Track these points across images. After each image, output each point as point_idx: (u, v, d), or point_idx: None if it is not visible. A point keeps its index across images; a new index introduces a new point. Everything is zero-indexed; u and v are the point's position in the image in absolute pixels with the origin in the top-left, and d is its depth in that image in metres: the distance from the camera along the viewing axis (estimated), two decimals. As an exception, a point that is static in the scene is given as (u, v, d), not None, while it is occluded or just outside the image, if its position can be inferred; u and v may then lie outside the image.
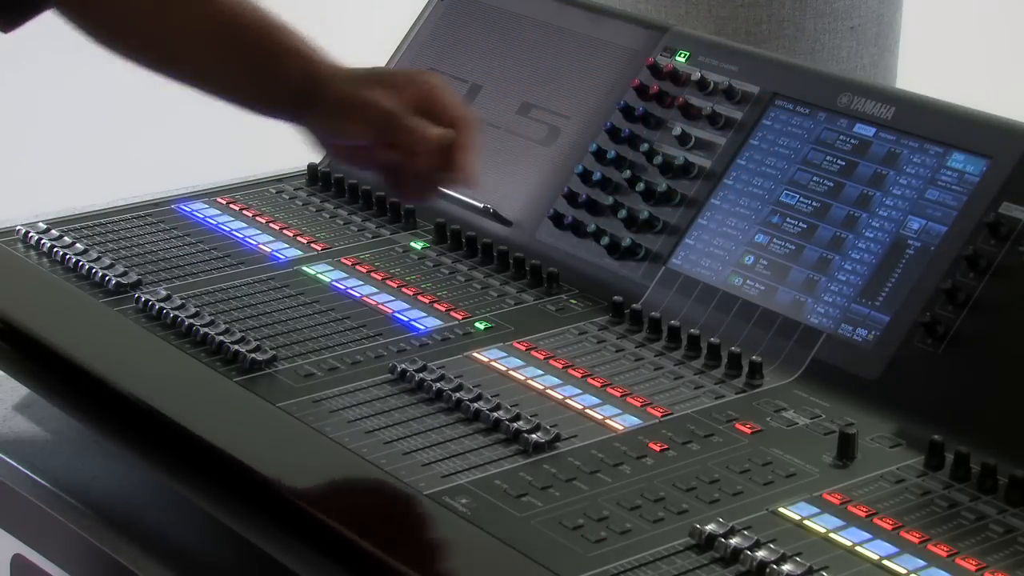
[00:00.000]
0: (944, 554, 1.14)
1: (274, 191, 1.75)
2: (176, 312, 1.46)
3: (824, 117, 1.50)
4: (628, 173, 1.57)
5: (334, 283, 1.54)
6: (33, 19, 1.39)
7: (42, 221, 1.65)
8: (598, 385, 1.36)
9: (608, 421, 1.31)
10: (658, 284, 1.50)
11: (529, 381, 1.37)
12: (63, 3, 1.39)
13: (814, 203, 1.46)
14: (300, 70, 1.38)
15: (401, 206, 1.67)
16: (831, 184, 1.47)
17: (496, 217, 1.64)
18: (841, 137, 1.48)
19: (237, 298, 1.51)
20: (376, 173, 1.43)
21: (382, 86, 1.37)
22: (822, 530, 1.17)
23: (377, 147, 1.37)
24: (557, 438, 1.27)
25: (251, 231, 1.65)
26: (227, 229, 1.66)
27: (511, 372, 1.38)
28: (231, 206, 1.71)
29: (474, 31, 1.78)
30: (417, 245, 1.62)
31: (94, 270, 1.54)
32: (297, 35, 1.40)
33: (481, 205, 1.65)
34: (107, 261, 1.56)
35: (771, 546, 1.13)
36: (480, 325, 1.47)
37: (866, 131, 1.47)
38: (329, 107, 1.37)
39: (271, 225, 1.66)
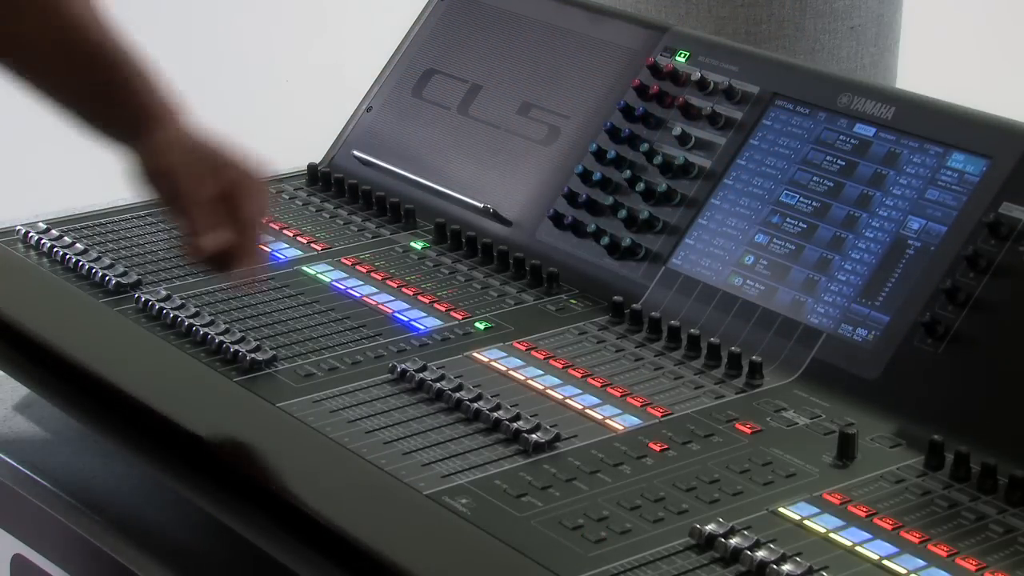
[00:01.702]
0: (944, 554, 1.14)
1: (274, 191, 1.74)
2: (176, 312, 1.46)
3: (824, 117, 1.50)
4: (628, 173, 1.57)
5: (334, 283, 1.54)
6: None
7: (42, 221, 1.65)
8: (598, 385, 1.36)
9: (608, 421, 1.31)
10: (658, 284, 1.50)
11: (529, 381, 1.37)
12: None
13: (814, 203, 1.46)
14: (137, 103, 1.37)
15: (401, 206, 1.67)
16: (831, 184, 1.47)
17: (496, 217, 1.64)
18: (841, 137, 1.48)
19: (237, 298, 1.51)
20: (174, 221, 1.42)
21: (187, 154, 1.36)
22: (822, 530, 1.17)
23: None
24: (557, 438, 1.27)
25: (251, 231, 1.65)
26: (227, 229, 1.66)
27: (511, 372, 1.38)
28: (231, 206, 1.71)
29: (474, 31, 1.78)
30: (417, 245, 1.62)
31: (94, 270, 1.54)
32: (141, 65, 1.39)
33: (481, 205, 1.65)
34: (107, 261, 1.56)
35: (771, 546, 1.13)
36: (480, 325, 1.47)
37: (866, 131, 1.47)
38: (142, 159, 1.36)
39: (271, 225, 1.66)
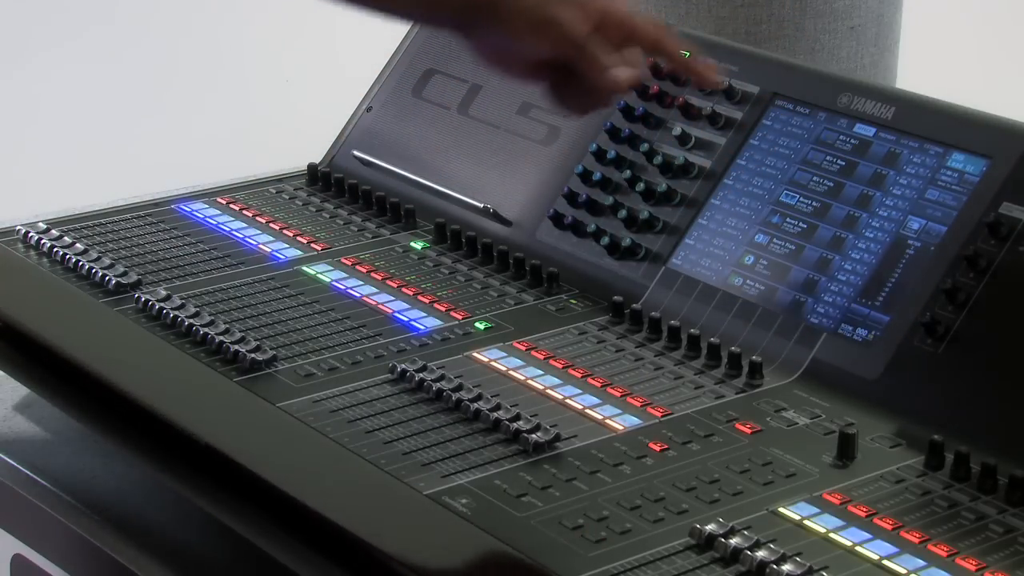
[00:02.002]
0: (944, 554, 1.14)
1: (274, 191, 1.75)
2: (176, 312, 1.46)
3: (824, 117, 1.50)
4: (628, 173, 1.57)
5: (334, 283, 1.54)
6: None
7: (42, 221, 1.65)
8: (598, 385, 1.36)
9: (608, 421, 1.31)
10: (658, 284, 1.50)
11: (529, 381, 1.37)
12: None
13: (814, 203, 1.47)
14: None
15: (401, 206, 1.67)
16: (831, 184, 1.47)
17: (496, 217, 1.64)
18: (841, 137, 1.48)
19: (237, 298, 1.51)
20: (539, 86, 1.37)
21: (566, 3, 1.31)
22: (822, 530, 1.17)
23: (550, 64, 1.33)
24: (557, 438, 1.27)
25: (251, 231, 1.65)
26: (227, 229, 1.66)
27: (511, 372, 1.38)
28: (231, 206, 1.71)
29: (474, 31, 1.78)
30: (417, 245, 1.62)
31: (94, 270, 1.54)
32: None
33: (481, 205, 1.65)
34: (107, 261, 1.56)
35: (771, 546, 1.13)
36: (480, 325, 1.47)
37: (866, 131, 1.47)
38: (506, 18, 1.31)
39: (271, 225, 1.66)
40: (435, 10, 1.35)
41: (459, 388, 1.33)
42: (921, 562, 1.13)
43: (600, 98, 1.36)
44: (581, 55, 1.31)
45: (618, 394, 1.35)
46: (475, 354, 1.41)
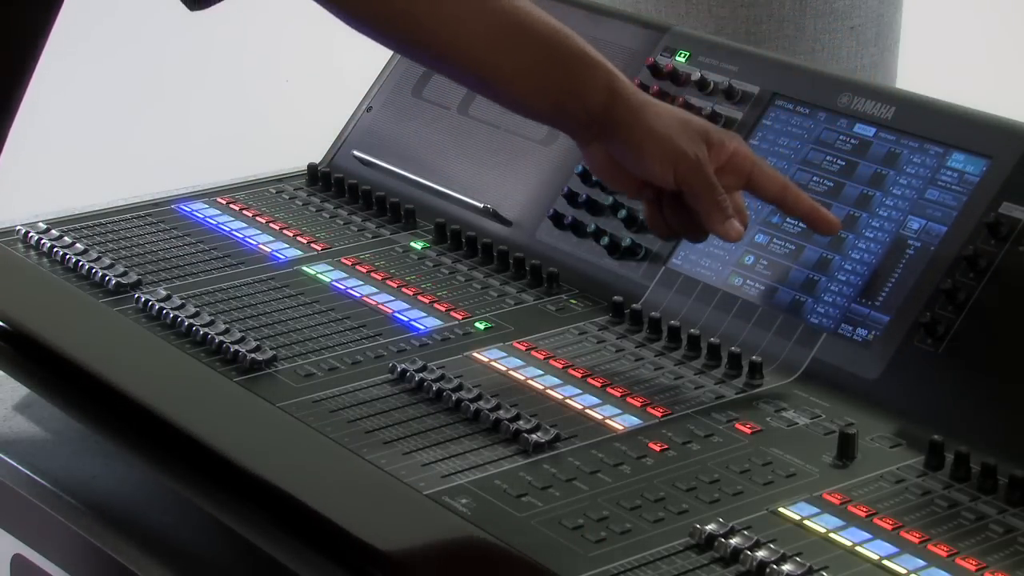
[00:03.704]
0: (944, 554, 1.14)
1: (274, 191, 1.75)
2: (176, 312, 1.46)
3: (824, 117, 1.50)
4: (628, 173, 1.57)
5: (334, 283, 1.54)
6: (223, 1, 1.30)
7: (42, 221, 1.65)
8: (598, 385, 1.36)
9: (608, 421, 1.31)
10: (658, 284, 1.50)
11: (529, 381, 1.37)
12: None
13: (814, 203, 1.46)
14: (603, 85, 1.33)
15: (401, 206, 1.67)
16: (831, 184, 1.47)
17: (496, 217, 1.64)
18: (841, 137, 1.48)
19: (237, 298, 1.51)
20: (644, 204, 1.41)
21: (690, 134, 1.33)
22: (822, 530, 1.17)
23: (664, 189, 1.35)
24: (557, 438, 1.27)
25: (251, 231, 1.65)
26: (227, 229, 1.66)
27: (511, 372, 1.38)
28: (231, 206, 1.71)
29: (474, 31, 1.78)
30: (417, 245, 1.62)
31: (94, 270, 1.54)
32: (588, 45, 1.34)
33: (481, 205, 1.65)
34: (107, 261, 1.56)
35: (771, 546, 1.13)
36: (480, 325, 1.47)
37: (866, 131, 1.47)
38: (630, 136, 1.33)
39: (271, 225, 1.66)
40: (561, 109, 1.36)
41: (459, 388, 1.33)
42: (921, 562, 1.13)
43: (701, 235, 1.39)
44: (704, 195, 1.33)
45: (618, 394, 1.35)
46: (475, 354, 1.41)
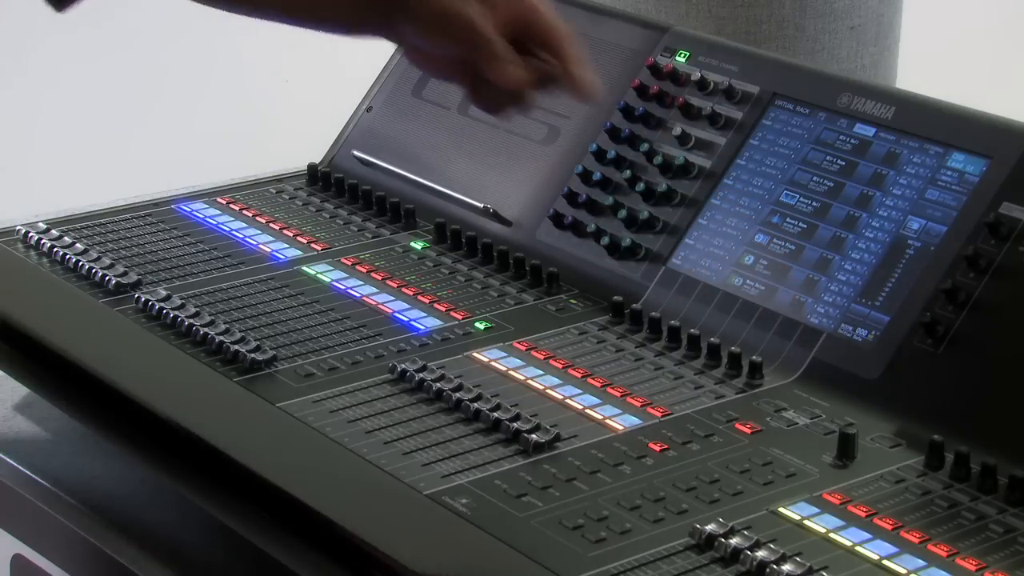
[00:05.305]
0: (944, 554, 1.14)
1: (274, 191, 1.75)
2: (176, 312, 1.46)
3: (824, 117, 1.50)
4: (628, 173, 1.57)
5: (334, 283, 1.54)
6: None
7: (42, 221, 1.65)
8: (598, 385, 1.36)
9: (608, 421, 1.31)
10: (658, 284, 1.50)
11: (529, 381, 1.37)
12: None
13: (814, 203, 1.47)
14: None
15: (401, 206, 1.67)
16: (831, 184, 1.47)
17: (496, 217, 1.64)
18: (841, 137, 1.48)
19: (237, 298, 1.51)
20: (458, 85, 1.38)
21: (476, 1, 1.31)
22: (822, 530, 1.17)
23: (460, 61, 1.33)
24: (557, 438, 1.27)
25: (251, 231, 1.65)
26: (227, 229, 1.66)
27: (511, 372, 1.38)
28: (231, 206, 1.71)
29: (474, 31, 1.78)
30: (417, 245, 1.62)
31: (94, 270, 1.54)
32: None
33: (481, 205, 1.65)
34: (107, 261, 1.56)
35: (771, 546, 1.13)
36: (480, 325, 1.47)
37: (866, 131, 1.47)
38: (416, 17, 1.31)
39: (271, 225, 1.67)
40: (355, 15, 1.35)
41: (459, 388, 1.33)
42: (921, 562, 1.13)
43: (511, 98, 1.35)
44: (481, 53, 1.31)
45: (618, 394, 1.35)
46: (475, 354, 1.41)
